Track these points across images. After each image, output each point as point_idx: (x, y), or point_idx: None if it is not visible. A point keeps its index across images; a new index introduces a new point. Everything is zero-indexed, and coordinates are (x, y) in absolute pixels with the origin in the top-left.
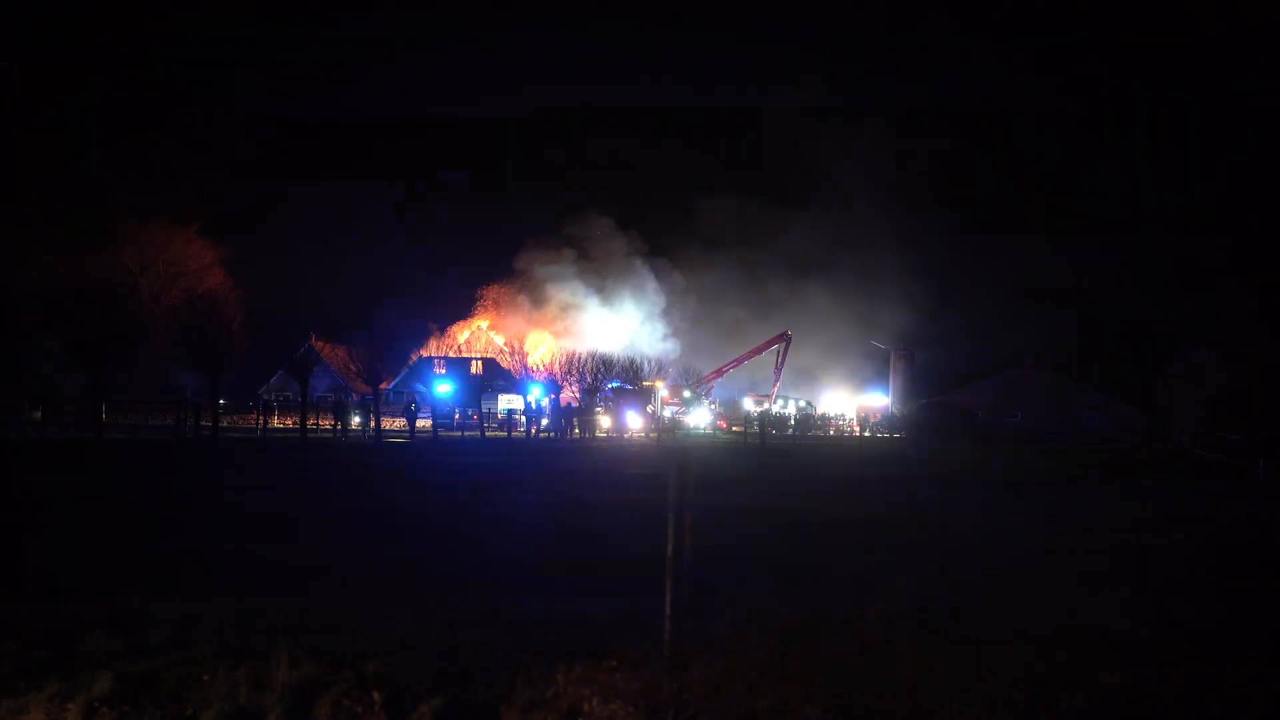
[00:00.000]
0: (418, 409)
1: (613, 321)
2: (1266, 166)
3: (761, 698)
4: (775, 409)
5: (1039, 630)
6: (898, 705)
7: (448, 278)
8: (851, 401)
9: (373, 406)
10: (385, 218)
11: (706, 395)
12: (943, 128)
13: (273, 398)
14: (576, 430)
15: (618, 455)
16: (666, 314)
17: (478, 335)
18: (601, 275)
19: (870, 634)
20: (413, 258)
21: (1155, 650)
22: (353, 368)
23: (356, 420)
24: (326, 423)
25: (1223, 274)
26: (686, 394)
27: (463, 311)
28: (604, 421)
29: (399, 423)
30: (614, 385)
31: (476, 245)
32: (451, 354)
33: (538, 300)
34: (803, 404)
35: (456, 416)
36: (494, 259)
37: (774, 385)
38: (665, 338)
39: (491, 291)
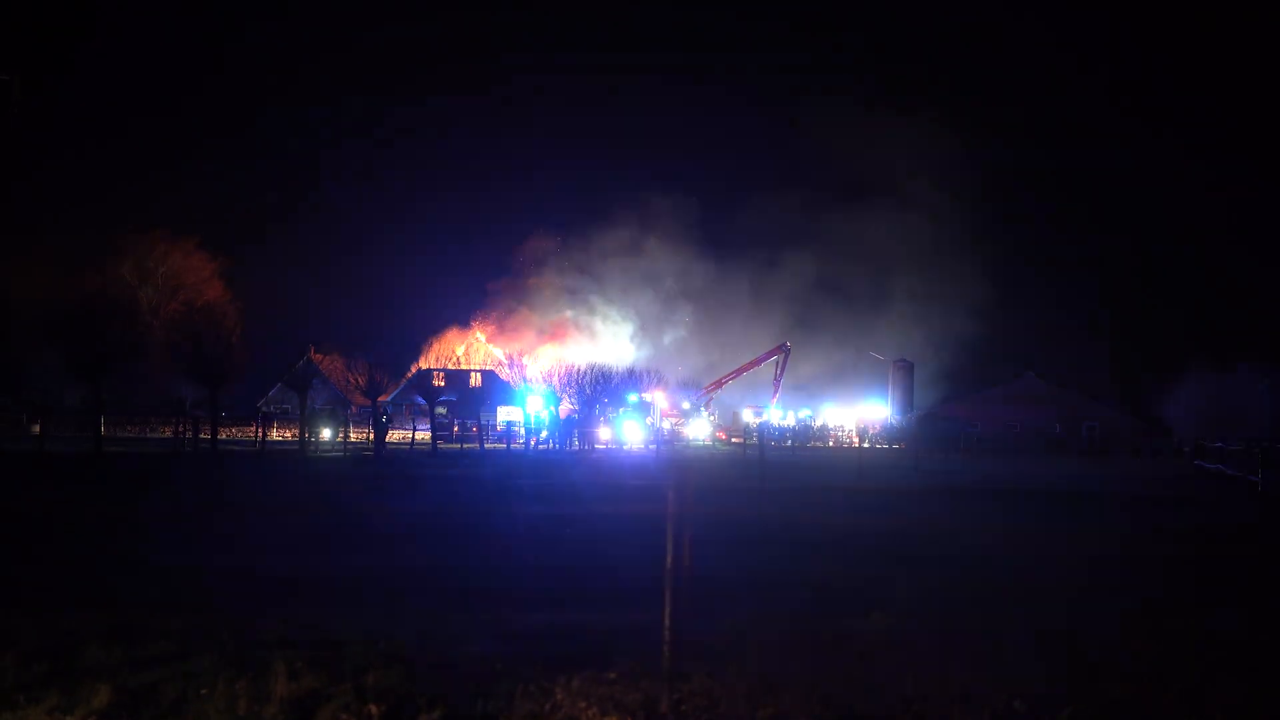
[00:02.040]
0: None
1: (621, 325)
2: (1270, 174)
3: (761, 708)
4: (774, 420)
5: (1040, 638)
6: (898, 715)
7: (452, 280)
8: (851, 413)
9: (370, 418)
10: (386, 223)
11: (705, 406)
12: (948, 133)
13: (272, 410)
14: (575, 442)
15: (616, 467)
16: (672, 320)
17: (475, 348)
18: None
19: (870, 643)
20: (413, 263)
21: (1157, 659)
22: (351, 380)
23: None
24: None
25: (1225, 284)
26: (686, 405)
27: (467, 313)
28: (603, 433)
29: (400, 434)
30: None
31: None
32: (450, 366)
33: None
34: (802, 415)
35: (455, 429)
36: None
37: (773, 396)
38: (675, 346)
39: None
